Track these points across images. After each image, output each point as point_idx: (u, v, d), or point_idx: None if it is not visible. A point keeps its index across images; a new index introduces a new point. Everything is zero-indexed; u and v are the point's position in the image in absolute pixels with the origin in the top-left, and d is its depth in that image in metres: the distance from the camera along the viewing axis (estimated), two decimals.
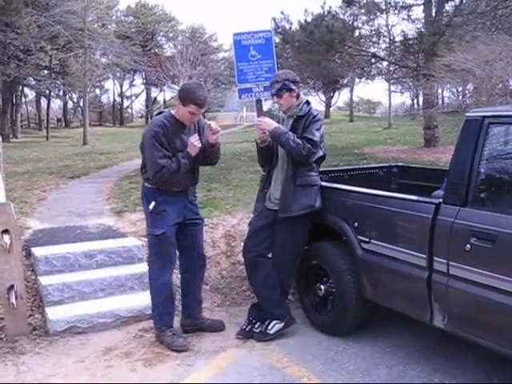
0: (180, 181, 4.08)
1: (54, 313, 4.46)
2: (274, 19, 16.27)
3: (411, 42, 16.63)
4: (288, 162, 4.13)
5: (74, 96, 47.68)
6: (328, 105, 46.34)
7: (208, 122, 4.07)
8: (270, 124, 4.12)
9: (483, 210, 3.23)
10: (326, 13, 17.13)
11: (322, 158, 4.26)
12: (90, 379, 3.67)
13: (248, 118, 45.22)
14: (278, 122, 4.23)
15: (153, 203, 4.07)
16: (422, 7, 15.19)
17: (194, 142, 4.01)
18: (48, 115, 36.24)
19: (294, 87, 4.21)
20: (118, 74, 50.77)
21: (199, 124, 4.20)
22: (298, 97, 4.26)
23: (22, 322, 4.32)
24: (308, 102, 4.26)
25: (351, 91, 42.72)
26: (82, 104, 36.74)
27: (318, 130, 4.11)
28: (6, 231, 4.22)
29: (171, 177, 3.98)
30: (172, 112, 4.11)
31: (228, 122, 47.18)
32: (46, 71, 33.40)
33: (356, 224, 3.99)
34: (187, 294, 4.44)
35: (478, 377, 3.54)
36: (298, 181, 4.10)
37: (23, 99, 43.06)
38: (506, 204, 3.25)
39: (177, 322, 4.45)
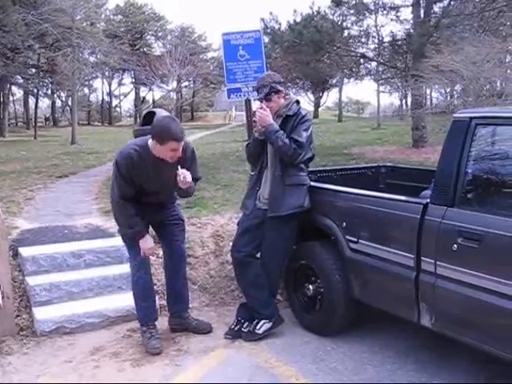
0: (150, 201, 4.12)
1: (41, 313, 4.44)
2: (263, 19, 16.30)
3: (400, 42, 16.73)
4: (277, 161, 4.14)
5: (63, 95, 47.42)
6: (317, 105, 46.47)
7: (179, 172, 3.83)
8: (268, 117, 4.10)
9: (470, 210, 3.25)
10: (314, 13, 17.19)
11: (311, 158, 4.27)
12: (78, 379, 3.66)
13: (237, 117, 45.19)
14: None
15: None
16: (410, 8, 15.27)
17: (148, 252, 4.13)
18: (36, 114, 35.98)
19: (281, 88, 4.22)
20: (107, 73, 50.56)
21: (185, 153, 3.98)
22: (285, 97, 4.26)
23: (9, 322, 4.30)
24: (298, 102, 4.28)
25: (340, 91, 42.84)
26: (70, 103, 36.49)
27: (305, 130, 4.11)
28: None
29: (119, 218, 4.12)
30: (149, 142, 3.84)
31: (217, 122, 47.18)
32: (33, 70, 33.19)
33: (344, 224, 4.01)
34: (170, 292, 4.47)
35: (466, 376, 3.56)
36: (286, 181, 4.11)
37: (11, 98, 42.73)
38: (493, 204, 3.27)
39: (165, 321, 4.45)
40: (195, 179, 4.10)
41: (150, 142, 3.83)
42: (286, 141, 4.02)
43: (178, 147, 3.74)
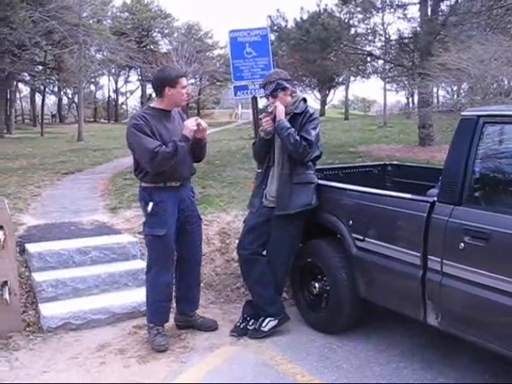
0: (177, 171, 4.02)
1: (47, 309, 4.46)
2: (270, 17, 16.32)
3: (406, 40, 16.68)
4: (284, 159, 4.14)
5: (69, 92, 47.56)
6: (323, 103, 46.36)
7: (198, 121, 4.04)
8: (281, 113, 4.12)
9: (477, 208, 3.24)
10: (321, 11, 17.17)
11: (319, 156, 4.27)
12: (84, 375, 3.67)
13: (243, 115, 45.14)
14: (273, 119, 4.23)
15: (151, 204, 4.02)
16: (417, 6, 15.23)
17: (190, 125, 3.97)
18: (43, 111, 36.05)
19: (287, 85, 4.21)
20: (113, 71, 50.63)
21: (181, 114, 4.25)
22: (291, 95, 4.25)
23: (16, 318, 4.31)
24: (305, 100, 4.28)
25: (346, 89, 42.76)
26: (76, 100, 36.56)
27: (314, 128, 4.11)
28: None
29: (168, 161, 3.88)
30: (151, 105, 4.16)
31: (223, 119, 47.16)
32: (40, 67, 33.25)
33: (351, 222, 4.00)
34: (180, 291, 4.42)
35: (471, 375, 3.55)
36: (294, 179, 4.11)
37: (18, 95, 42.91)
38: (500, 203, 3.26)
39: (170, 318, 4.45)
40: None
41: (154, 102, 4.15)
42: (298, 138, 4.02)
43: (186, 83, 4.08)
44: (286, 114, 4.19)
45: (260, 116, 4.28)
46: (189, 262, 4.32)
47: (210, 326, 4.37)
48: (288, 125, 4.07)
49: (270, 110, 4.21)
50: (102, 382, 3.59)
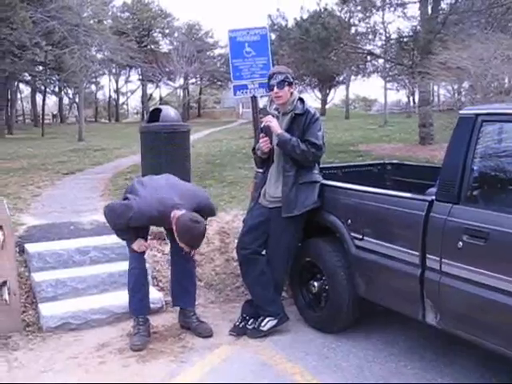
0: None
1: (47, 309, 4.46)
2: (270, 16, 16.40)
3: (407, 39, 16.72)
4: (286, 162, 4.13)
5: (70, 92, 47.55)
6: (324, 102, 46.33)
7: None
8: (277, 127, 4.13)
9: (476, 207, 3.23)
10: (321, 10, 17.23)
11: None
12: (83, 375, 3.67)
13: (244, 114, 45.17)
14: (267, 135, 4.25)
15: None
16: (417, 5, 15.25)
17: (141, 248, 4.21)
18: (43, 111, 36.13)
19: (293, 82, 4.25)
20: (114, 70, 50.67)
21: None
22: (292, 93, 4.26)
23: (15, 318, 4.32)
24: (302, 100, 4.24)
25: (347, 88, 42.75)
26: (77, 100, 36.54)
27: (319, 130, 4.13)
28: None
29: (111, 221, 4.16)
30: (172, 216, 3.96)
31: (224, 119, 47.21)
32: (41, 67, 33.32)
33: (349, 221, 4.00)
34: (172, 286, 4.49)
35: (470, 374, 3.55)
36: (300, 179, 4.11)
37: (18, 95, 42.92)
38: (499, 202, 3.26)
39: (169, 317, 4.50)
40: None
41: (175, 216, 3.95)
42: (303, 147, 4.02)
43: (188, 249, 4.03)
44: (286, 114, 4.19)
45: (260, 134, 4.31)
46: (178, 258, 4.35)
47: (202, 333, 4.25)
48: (288, 136, 4.07)
49: (261, 126, 4.25)
50: (102, 382, 3.59)
